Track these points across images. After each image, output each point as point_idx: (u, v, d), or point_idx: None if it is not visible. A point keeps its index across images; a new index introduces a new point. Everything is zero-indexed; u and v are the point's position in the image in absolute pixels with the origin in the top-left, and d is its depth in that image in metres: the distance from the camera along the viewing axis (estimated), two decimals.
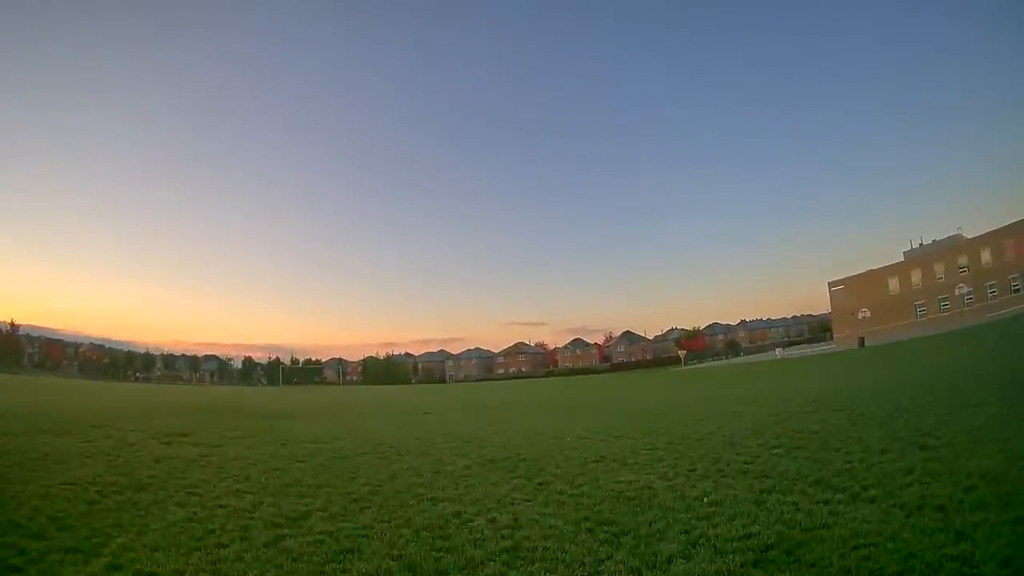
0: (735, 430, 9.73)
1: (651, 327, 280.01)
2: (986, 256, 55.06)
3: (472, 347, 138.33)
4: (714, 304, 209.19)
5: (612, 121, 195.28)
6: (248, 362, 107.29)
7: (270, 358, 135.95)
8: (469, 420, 16.00)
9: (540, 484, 6.81)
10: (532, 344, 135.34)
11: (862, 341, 29.79)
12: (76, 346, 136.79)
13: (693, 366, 69.78)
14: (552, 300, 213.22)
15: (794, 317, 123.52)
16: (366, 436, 12.00)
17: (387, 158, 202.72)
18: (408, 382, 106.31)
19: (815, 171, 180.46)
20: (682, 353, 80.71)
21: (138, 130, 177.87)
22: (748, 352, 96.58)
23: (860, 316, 45.67)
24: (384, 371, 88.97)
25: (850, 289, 69.00)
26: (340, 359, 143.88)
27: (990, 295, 53.45)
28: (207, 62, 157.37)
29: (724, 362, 58.79)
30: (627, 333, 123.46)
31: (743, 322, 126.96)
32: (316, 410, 20.67)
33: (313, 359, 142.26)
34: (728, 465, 7.05)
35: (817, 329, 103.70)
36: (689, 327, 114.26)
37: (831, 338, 77.66)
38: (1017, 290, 50.90)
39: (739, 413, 12.46)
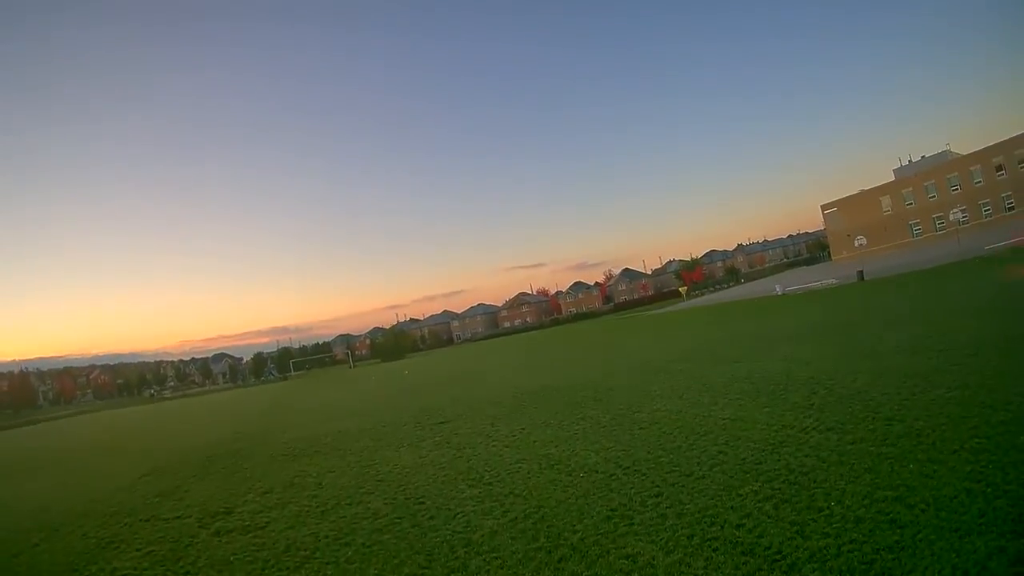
0: None
1: (650, 257, 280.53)
2: (978, 175, 54.27)
3: (475, 302, 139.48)
4: (712, 229, 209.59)
5: (601, 55, 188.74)
6: (258, 358, 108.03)
7: (278, 343, 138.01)
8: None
9: None
10: (534, 292, 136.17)
11: (861, 275, 29.95)
12: (87, 373, 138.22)
13: (693, 300, 70.21)
14: (549, 240, 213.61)
15: (790, 236, 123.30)
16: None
17: (370, 114, 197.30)
18: (416, 350, 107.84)
19: (809, 94, 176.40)
20: (683, 289, 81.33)
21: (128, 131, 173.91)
22: (748, 278, 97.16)
23: (857, 243, 45.53)
24: (393, 343, 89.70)
25: (843, 211, 68.51)
26: (347, 335, 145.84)
27: (985, 214, 53.18)
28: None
29: (721, 295, 59.06)
30: (626, 270, 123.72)
31: (740, 247, 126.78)
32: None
33: (321, 341, 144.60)
34: None
35: (815, 247, 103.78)
36: (687, 256, 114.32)
37: (829, 256, 77.95)
38: (1012, 208, 50.56)
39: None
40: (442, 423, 10.97)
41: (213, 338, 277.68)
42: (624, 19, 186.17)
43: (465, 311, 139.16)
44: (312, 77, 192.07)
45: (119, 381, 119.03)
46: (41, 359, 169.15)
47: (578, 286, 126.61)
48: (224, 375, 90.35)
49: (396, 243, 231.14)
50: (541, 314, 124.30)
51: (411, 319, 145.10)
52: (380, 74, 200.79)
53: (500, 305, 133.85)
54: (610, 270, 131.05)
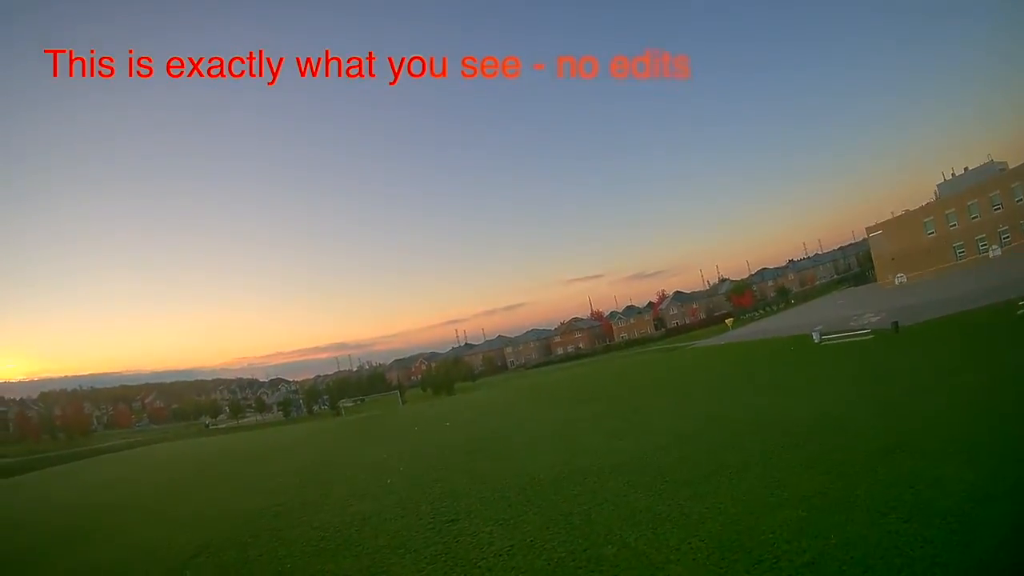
0: None
1: (707, 265, 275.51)
2: (1020, 191, 53.50)
3: (533, 316, 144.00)
4: (766, 235, 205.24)
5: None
6: (312, 389, 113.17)
7: (337, 360, 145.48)
8: None
9: None
10: (590, 309, 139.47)
11: (896, 326, 30.31)
12: (143, 397, 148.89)
13: (739, 329, 71.06)
14: (605, 248, 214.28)
15: (841, 248, 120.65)
16: None
17: (437, 122, 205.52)
18: (470, 377, 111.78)
19: (855, 98, 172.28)
20: (729, 321, 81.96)
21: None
22: (799, 298, 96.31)
23: (897, 281, 45.78)
24: (444, 375, 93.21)
25: (888, 234, 68.06)
26: (402, 359, 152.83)
27: None
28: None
29: (767, 325, 60.25)
30: (678, 293, 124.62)
31: (791, 263, 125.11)
32: None
33: (377, 362, 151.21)
34: None
35: (866, 260, 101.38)
36: (744, 267, 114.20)
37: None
38: None
39: None
40: (451, 522, 9.68)
41: (271, 355, 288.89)
42: (677, 31, 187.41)
43: (519, 335, 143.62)
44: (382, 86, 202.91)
45: (174, 407, 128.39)
46: (96, 375, 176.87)
47: (630, 310, 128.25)
48: (280, 407, 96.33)
49: (456, 256, 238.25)
50: (594, 339, 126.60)
51: (467, 344, 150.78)
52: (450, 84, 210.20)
53: (553, 329, 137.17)
54: (663, 291, 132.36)
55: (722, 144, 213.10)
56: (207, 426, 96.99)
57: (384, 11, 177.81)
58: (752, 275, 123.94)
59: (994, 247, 39.71)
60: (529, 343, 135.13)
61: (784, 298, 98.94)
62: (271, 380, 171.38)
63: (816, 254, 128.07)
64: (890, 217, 69.60)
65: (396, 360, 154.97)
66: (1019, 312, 21.05)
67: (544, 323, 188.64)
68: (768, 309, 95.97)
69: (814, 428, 11.52)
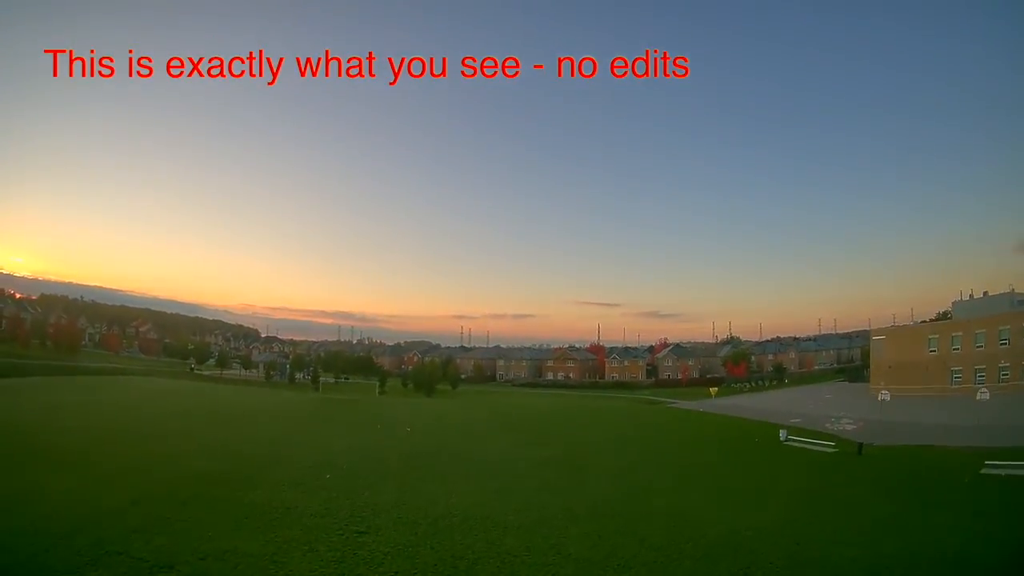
0: None
1: (720, 320, 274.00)
2: None
3: (543, 329, 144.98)
4: (784, 311, 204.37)
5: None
6: (299, 360, 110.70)
7: (339, 329, 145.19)
8: None
9: None
10: (587, 348, 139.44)
11: (860, 447, 30.66)
12: (138, 324, 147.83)
13: (721, 399, 71.27)
14: (626, 280, 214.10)
15: (848, 336, 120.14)
16: None
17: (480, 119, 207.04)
18: (457, 380, 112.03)
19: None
20: (713, 391, 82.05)
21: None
22: (793, 380, 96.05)
23: (880, 398, 45.51)
24: (427, 376, 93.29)
25: (891, 342, 67.89)
26: (399, 345, 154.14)
27: None
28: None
29: (746, 402, 60.85)
30: (677, 346, 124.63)
31: (795, 340, 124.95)
32: None
33: (375, 339, 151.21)
34: None
35: (868, 356, 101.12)
36: (756, 328, 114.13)
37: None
38: None
39: None
40: (360, 533, 10.63)
41: (277, 308, 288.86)
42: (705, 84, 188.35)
43: (515, 348, 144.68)
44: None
45: (166, 340, 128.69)
46: (99, 289, 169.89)
47: (626, 352, 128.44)
48: (268, 368, 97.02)
49: (475, 253, 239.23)
50: (585, 372, 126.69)
51: (463, 346, 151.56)
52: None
53: (552, 350, 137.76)
54: (665, 339, 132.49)
55: (759, 202, 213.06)
56: (191, 369, 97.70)
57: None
58: (758, 343, 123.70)
59: (983, 391, 39.80)
60: (522, 361, 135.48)
61: (779, 376, 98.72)
62: (266, 337, 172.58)
63: (825, 334, 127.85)
64: (908, 316, 69.68)
65: (393, 345, 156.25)
66: (981, 471, 20.40)
67: (549, 339, 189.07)
68: (759, 384, 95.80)
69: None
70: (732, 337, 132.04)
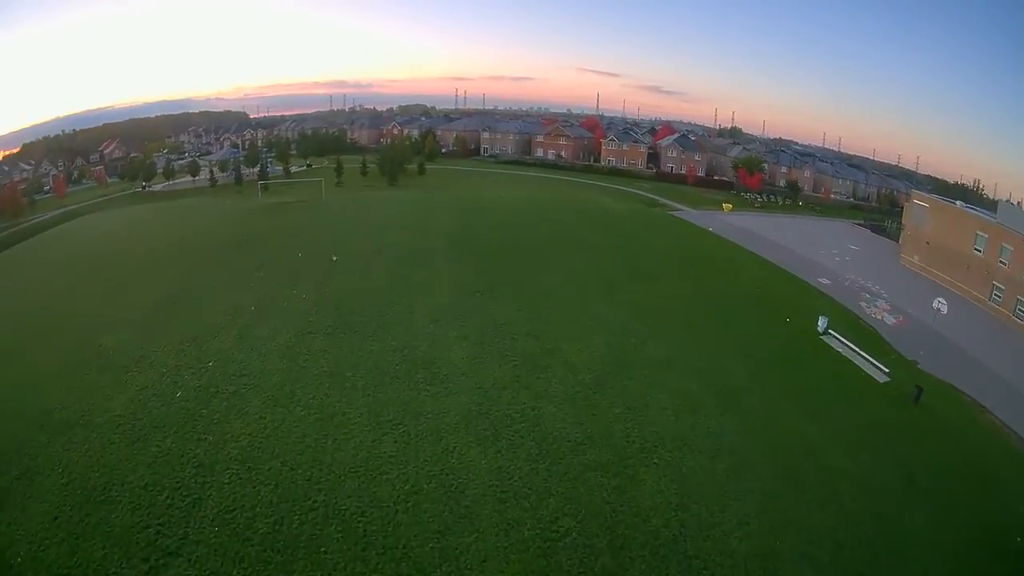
0: None
1: (724, 108, 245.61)
2: None
3: (541, 93, 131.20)
4: (793, 108, 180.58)
5: None
6: (253, 151, 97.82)
7: (331, 99, 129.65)
8: None
9: None
10: (578, 124, 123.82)
11: (918, 394, 26.51)
12: (102, 150, 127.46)
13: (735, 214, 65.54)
14: (626, 48, 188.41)
15: (859, 167, 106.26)
16: None
17: None
18: (435, 156, 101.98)
19: None
20: (727, 207, 74.89)
21: None
22: (807, 203, 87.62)
23: (935, 306, 40.19)
24: (399, 157, 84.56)
25: (935, 215, 58.36)
26: (375, 111, 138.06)
27: None
28: None
29: (770, 222, 59.03)
30: (683, 137, 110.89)
31: (813, 158, 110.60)
32: None
33: (367, 106, 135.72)
34: None
35: (892, 204, 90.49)
36: (752, 126, 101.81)
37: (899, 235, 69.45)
38: None
39: None
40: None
41: (270, 86, 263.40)
42: None
43: (500, 121, 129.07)
44: None
45: (132, 155, 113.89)
46: (83, 115, 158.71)
47: (626, 136, 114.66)
48: (227, 167, 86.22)
49: (474, 7, 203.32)
50: (578, 151, 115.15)
51: (447, 116, 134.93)
52: None
53: (541, 133, 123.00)
54: (668, 125, 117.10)
55: None
56: (144, 187, 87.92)
57: None
58: (769, 150, 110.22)
59: None
60: (508, 135, 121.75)
61: (793, 196, 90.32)
62: (253, 119, 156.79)
63: (839, 162, 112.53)
64: (951, 185, 59.25)
65: (373, 116, 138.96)
66: None
67: (548, 103, 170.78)
68: (772, 200, 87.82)
69: None
70: (734, 127, 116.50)
